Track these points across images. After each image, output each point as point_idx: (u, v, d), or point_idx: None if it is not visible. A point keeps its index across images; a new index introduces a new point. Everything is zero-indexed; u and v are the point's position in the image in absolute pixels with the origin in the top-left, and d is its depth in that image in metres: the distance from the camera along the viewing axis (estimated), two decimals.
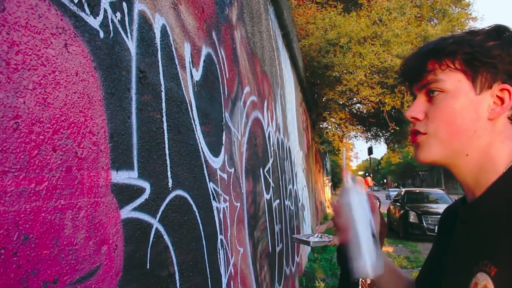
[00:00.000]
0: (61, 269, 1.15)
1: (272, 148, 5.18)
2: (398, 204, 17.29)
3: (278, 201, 5.41)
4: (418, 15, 12.86)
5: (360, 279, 5.14)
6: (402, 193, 18.55)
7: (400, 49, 10.86)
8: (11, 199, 1.00)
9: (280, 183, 5.78)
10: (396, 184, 73.64)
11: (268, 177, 4.72)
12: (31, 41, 1.09)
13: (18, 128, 1.03)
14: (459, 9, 14.26)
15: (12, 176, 1.00)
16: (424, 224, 14.69)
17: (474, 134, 1.01)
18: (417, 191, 19.61)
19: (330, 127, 19.04)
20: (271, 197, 4.83)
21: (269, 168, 4.84)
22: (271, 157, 5.04)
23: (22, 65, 1.05)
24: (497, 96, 1.01)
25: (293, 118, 8.39)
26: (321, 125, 17.56)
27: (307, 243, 5.00)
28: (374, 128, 19.11)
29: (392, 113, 14.10)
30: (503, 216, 0.93)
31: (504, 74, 1.00)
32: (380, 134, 19.82)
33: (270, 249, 4.65)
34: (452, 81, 1.02)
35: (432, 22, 13.74)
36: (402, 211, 15.90)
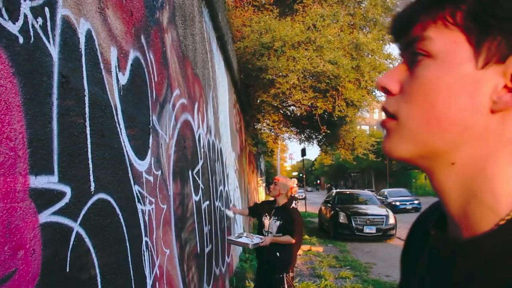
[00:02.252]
0: None
1: (202, 150, 5.22)
2: (329, 205, 17.82)
3: (208, 202, 5.46)
4: (351, 23, 13.29)
5: (285, 274, 5.26)
6: (333, 194, 19.11)
7: (332, 55, 11.17)
8: None
9: (211, 184, 5.83)
10: (329, 185, 75.41)
11: (197, 178, 4.76)
12: None
13: None
14: (389, 19, 14.81)
15: None
16: (353, 225, 15.27)
17: (464, 131, 0.66)
18: (348, 192, 20.29)
19: (264, 129, 19.26)
20: (200, 198, 4.87)
21: (198, 169, 4.88)
22: (201, 159, 5.08)
23: None
24: None
25: (225, 120, 8.45)
26: (255, 127, 17.73)
27: (246, 245, 5.09)
28: (307, 130, 19.49)
29: (325, 116, 14.47)
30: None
31: None
32: (313, 136, 20.24)
33: (199, 250, 4.70)
34: (445, 41, 0.66)
35: (364, 30, 14.23)
36: (332, 212, 16.44)
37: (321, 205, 19.79)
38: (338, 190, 22.26)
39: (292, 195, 5.59)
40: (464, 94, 0.65)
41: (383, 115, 0.77)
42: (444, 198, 0.71)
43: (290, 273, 5.34)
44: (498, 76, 0.64)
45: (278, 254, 5.23)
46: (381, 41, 14.32)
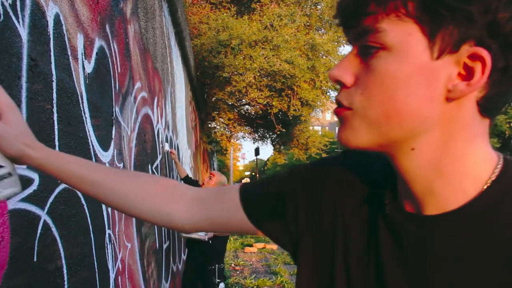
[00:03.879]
0: None
1: (161, 145, 5.16)
2: None
3: None
4: (307, 23, 13.43)
5: (217, 265, 5.32)
6: None
7: (288, 55, 11.26)
8: None
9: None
10: None
11: (156, 173, 4.70)
12: None
13: None
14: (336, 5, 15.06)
15: None
16: None
17: (423, 121, 0.68)
18: None
19: (218, 127, 19.21)
20: None
21: (157, 164, 4.82)
22: (159, 153, 5.02)
23: None
24: (465, 64, 0.66)
25: (182, 117, 8.38)
26: (209, 125, 17.65)
27: (202, 238, 5.08)
28: (262, 129, 19.56)
29: (279, 115, 14.55)
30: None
31: (481, 30, 0.63)
32: (267, 135, 20.32)
33: (158, 245, 4.64)
34: (399, 33, 0.66)
35: (320, 32, 14.42)
36: None
37: None
38: None
39: None
40: (422, 85, 0.66)
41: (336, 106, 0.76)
42: (407, 178, 0.73)
43: (222, 265, 5.42)
44: (452, 65, 0.65)
45: (211, 245, 5.25)
46: (336, 43, 14.57)
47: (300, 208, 0.90)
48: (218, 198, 1.03)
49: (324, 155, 18.58)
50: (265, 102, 12.24)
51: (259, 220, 0.96)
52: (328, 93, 15.59)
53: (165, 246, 5.21)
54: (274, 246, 13.40)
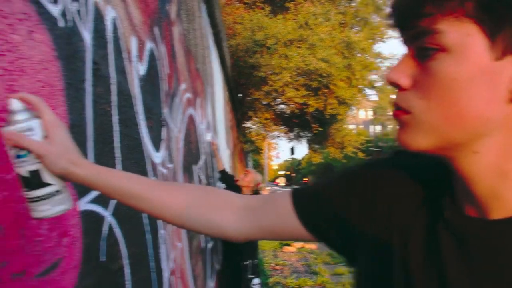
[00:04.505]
0: (28, 261, 1.13)
1: (203, 146, 5.20)
2: None
3: None
4: (342, 21, 13.34)
5: (250, 262, 5.30)
6: None
7: (324, 53, 11.22)
8: None
9: (210, 180, 5.81)
10: None
11: (200, 174, 4.74)
12: (0, 26, 1.07)
13: None
14: (380, 18, 14.96)
15: None
16: None
17: (486, 123, 0.65)
18: None
19: (254, 127, 19.26)
20: None
21: (201, 165, 4.86)
22: (202, 154, 5.06)
23: None
24: None
25: (221, 117, 8.43)
26: (244, 125, 17.73)
27: None
28: (297, 128, 19.51)
29: (316, 114, 14.50)
30: None
31: None
32: (302, 134, 20.26)
33: (203, 245, 4.68)
34: (458, 34, 0.63)
35: (354, 29, 14.31)
36: None
37: None
38: None
39: (257, 189, 5.69)
40: (483, 87, 0.63)
41: (393, 109, 0.74)
42: (469, 182, 0.70)
43: (255, 261, 5.40)
44: None
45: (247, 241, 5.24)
46: (371, 40, 14.44)
47: (355, 213, 0.87)
48: (268, 206, 1.00)
49: (360, 154, 18.41)
50: (302, 102, 12.20)
51: (314, 227, 0.94)
52: (364, 91, 15.48)
53: (209, 246, 5.25)
54: (313, 246, 13.33)
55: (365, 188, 0.87)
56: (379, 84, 16.47)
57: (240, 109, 14.80)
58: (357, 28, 14.60)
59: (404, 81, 0.70)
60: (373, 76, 15.72)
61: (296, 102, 12.58)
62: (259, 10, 12.80)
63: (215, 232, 1.03)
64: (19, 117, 0.94)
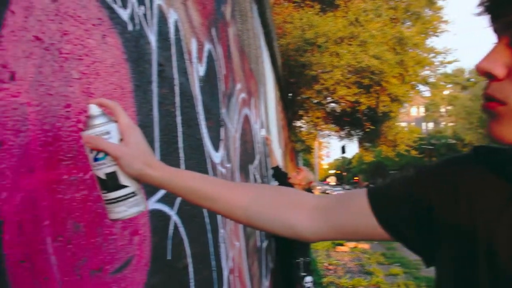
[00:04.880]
0: (104, 258, 1.16)
1: (257, 145, 5.22)
2: None
3: None
4: (393, 17, 13.10)
5: (302, 259, 5.23)
6: None
7: (376, 50, 11.05)
8: (65, 187, 1.01)
9: (264, 180, 5.82)
10: (367, 183, 74.41)
11: (255, 173, 4.76)
12: (77, 31, 1.10)
13: (69, 117, 1.04)
14: (432, 12, 14.59)
15: (65, 165, 1.02)
16: None
17: None
18: None
19: (304, 126, 19.19)
20: None
21: (256, 165, 4.88)
22: (257, 154, 5.08)
23: (70, 54, 1.06)
24: None
25: (273, 116, 8.44)
26: (294, 124, 17.69)
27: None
28: (348, 127, 19.31)
29: (367, 112, 14.31)
30: None
31: None
32: (353, 133, 20.04)
33: (258, 244, 4.69)
34: None
35: (406, 24, 14.02)
36: None
37: None
38: None
39: (309, 188, 5.61)
40: None
41: (484, 99, 0.70)
42: None
43: (307, 258, 5.33)
44: None
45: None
46: (424, 35, 14.11)
47: (436, 210, 0.84)
48: (343, 205, 0.99)
49: (413, 152, 18.02)
50: (353, 100, 12.06)
51: (392, 226, 0.91)
52: (417, 88, 15.14)
53: (264, 245, 5.27)
54: (366, 245, 13.16)
55: (447, 185, 0.84)
56: (432, 79, 16.06)
57: (290, 108, 14.78)
58: (409, 23, 14.28)
59: (499, 70, 0.66)
60: (426, 72, 15.36)
61: (347, 100, 12.45)
62: (308, 9, 12.73)
63: (289, 232, 1.02)
64: (97, 121, 0.97)
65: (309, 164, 50.56)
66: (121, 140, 0.99)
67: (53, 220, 0.96)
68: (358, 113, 13.93)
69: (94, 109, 0.98)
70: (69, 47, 1.06)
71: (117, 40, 1.33)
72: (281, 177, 5.89)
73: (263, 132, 5.55)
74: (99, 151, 0.97)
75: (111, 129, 0.98)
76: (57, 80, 1.00)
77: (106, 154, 0.97)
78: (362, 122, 14.36)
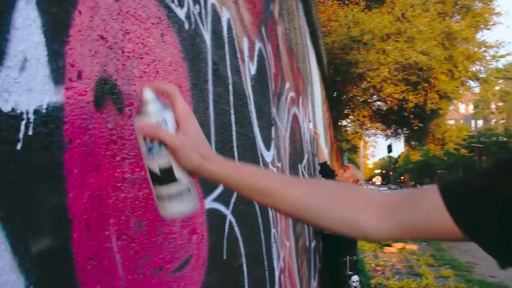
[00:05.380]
0: (165, 257, 1.16)
1: (306, 144, 5.18)
2: None
3: None
4: (442, 11, 12.75)
5: (348, 258, 5.12)
6: None
7: (424, 46, 10.79)
8: (129, 185, 1.01)
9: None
10: (413, 182, 72.97)
11: (304, 173, 4.72)
12: (138, 30, 1.10)
13: (131, 116, 1.04)
14: (483, 5, 14.10)
15: (129, 163, 1.02)
16: None
17: None
18: None
19: (349, 125, 18.97)
20: None
21: (305, 164, 4.84)
22: (305, 153, 5.04)
23: (132, 53, 1.07)
24: None
25: (319, 115, 8.38)
26: (340, 123, 17.51)
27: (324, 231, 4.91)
28: (394, 125, 18.97)
29: (414, 110, 14.00)
30: None
31: None
32: (400, 131, 19.66)
33: (307, 244, 4.66)
34: None
35: (455, 18, 13.62)
36: None
37: None
38: None
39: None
40: None
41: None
42: None
43: (354, 257, 5.21)
44: None
45: (342, 236, 5.01)
46: (474, 28, 13.68)
47: None
48: (413, 203, 0.91)
49: (463, 150, 17.50)
50: (401, 97, 11.82)
51: (471, 225, 0.83)
52: (467, 84, 14.70)
53: (312, 244, 5.22)
54: (414, 246, 12.89)
55: None
56: (483, 75, 15.52)
57: (336, 107, 14.64)
58: (458, 16, 13.84)
59: None
60: (477, 67, 14.84)
61: (394, 98, 12.21)
62: (353, 6, 12.57)
63: (356, 232, 0.98)
64: (152, 107, 0.89)
65: (354, 164, 49.92)
66: (177, 129, 0.91)
67: (117, 218, 0.96)
68: (405, 111, 13.64)
69: (149, 94, 0.89)
70: (131, 45, 1.06)
71: (174, 39, 1.33)
72: (328, 174, 5.82)
73: (310, 126, 5.48)
74: (153, 140, 0.89)
75: (167, 117, 0.89)
76: (120, 79, 1.00)
77: (162, 144, 0.89)
78: (409, 120, 14.04)
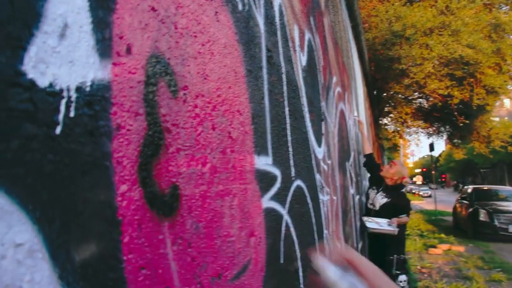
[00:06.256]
0: (223, 263, 1.02)
1: (352, 142, 4.98)
2: (465, 202, 16.47)
3: (358, 196, 5.21)
4: (488, 2, 12.24)
5: (395, 256, 4.88)
6: (470, 190, 17.66)
7: (470, 39, 10.35)
8: (184, 181, 0.87)
9: (358, 178, 5.57)
10: (455, 182, 71.13)
11: (351, 171, 4.53)
12: (191, 5, 0.97)
13: (186, 101, 0.90)
14: None
15: (184, 155, 0.88)
16: (496, 223, 13.95)
17: None
18: (486, 188, 18.63)
19: (390, 124, 18.55)
20: (353, 192, 4.64)
21: (351, 162, 4.65)
22: (352, 150, 4.84)
23: (186, 30, 0.93)
24: None
25: (362, 113, 8.14)
26: (380, 122, 17.12)
27: (390, 232, 4.66)
28: (436, 123, 18.42)
29: (458, 106, 13.50)
30: None
31: None
32: (443, 129, 19.09)
33: (355, 245, 4.47)
34: None
35: (503, 9, 13.05)
36: (471, 209, 15.13)
37: (455, 202, 18.45)
38: (475, 186, 20.41)
39: (401, 183, 5.21)
40: None
41: None
42: None
43: (401, 256, 4.96)
44: None
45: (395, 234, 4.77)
46: None
47: None
48: None
49: (510, 148, 16.85)
50: (445, 93, 11.39)
51: None
52: None
53: (359, 246, 5.02)
54: (461, 248, 12.43)
55: None
56: None
57: (377, 105, 14.30)
58: (506, 7, 13.25)
59: None
60: None
61: (439, 94, 11.78)
62: (394, 1, 12.22)
63: None
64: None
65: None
66: None
67: (172, 219, 0.82)
68: (449, 108, 13.18)
69: (331, 271, 0.93)
70: (184, 21, 0.92)
71: (228, 19, 1.19)
72: (373, 167, 5.58)
73: (355, 113, 5.27)
74: None
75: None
76: (173, 58, 0.86)
77: None
78: (453, 117, 13.57)
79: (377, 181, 5.24)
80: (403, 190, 5.22)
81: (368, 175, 5.63)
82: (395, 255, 4.91)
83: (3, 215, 0.45)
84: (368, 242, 5.59)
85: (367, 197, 5.31)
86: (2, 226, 0.45)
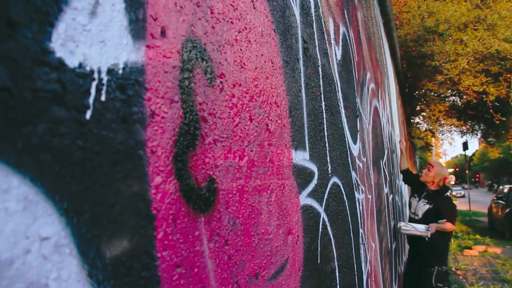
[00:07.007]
0: (260, 262, 0.97)
1: (385, 140, 4.87)
2: (501, 202, 16.03)
3: (391, 196, 5.09)
4: None
5: (436, 267, 4.66)
6: (506, 190, 17.17)
7: (507, 33, 10.03)
8: (221, 174, 0.82)
9: (391, 177, 5.45)
10: (490, 181, 69.55)
11: (385, 170, 4.43)
12: None
13: (223, 89, 0.85)
14: None
15: (221, 147, 0.83)
16: None
17: None
18: None
19: (421, 122, 18.21)
20: (388, 191, 4.52)
21: (385, 160, 4.54)
22: (385, 149, 4.74)
23: (222, 15, 0.88)
24: None
25: (395, 111, 7.99)
26: (412, 120, 16.81)
27: (423, 234, 4.46)
28: (470, 121, 17.99)
29: (494, 103, 13.13)
30: None
31: None
32: (477, 127, 18.64)
33: (389, 246, 4.36)
34: None
35: None
36: (507, 210, 14.72)
37: (491, 202, 17.99)
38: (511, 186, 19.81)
39: (445, 185, 4.95)
40: None
41: None
42: None
43: (443, 267, 4.71)
44: None
45: (432, 243, 4.54)
46: None
47: None
48: None
49: None
50: (481, 90, 11.08)
51: None
52: None
53: (393, 246, 4.90)
54: (498, 250, 12.11)
55: None
56: None
57: (409, 103, 14.05)
58: None
59: None
60: None
61: (474, 91, 11.48)
62: None
63: None
64: None
65: (425, 163, 48.17)
66: None
67: (208, 214, 0.77)
68: (484, 105, 12.85)
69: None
70: (220, 6, 0.87)
71: (265, 7, 1.13)
72: (412, 180, 5.41)
73: (397, 134, 5.08)
74: None
75: None
76: (209, 44, 0.81)
77: None
78: (489, 114, 13.22)
79: (418, 189, 5.06)
80: (447, 193, 4.95)
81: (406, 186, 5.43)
82: (436, 267, 4.70)
83: (27, 205, 0.41)
84: (409, 249, 5.38)
85: (409, 206, 5.13)
86: (27, 217, 0.41)
